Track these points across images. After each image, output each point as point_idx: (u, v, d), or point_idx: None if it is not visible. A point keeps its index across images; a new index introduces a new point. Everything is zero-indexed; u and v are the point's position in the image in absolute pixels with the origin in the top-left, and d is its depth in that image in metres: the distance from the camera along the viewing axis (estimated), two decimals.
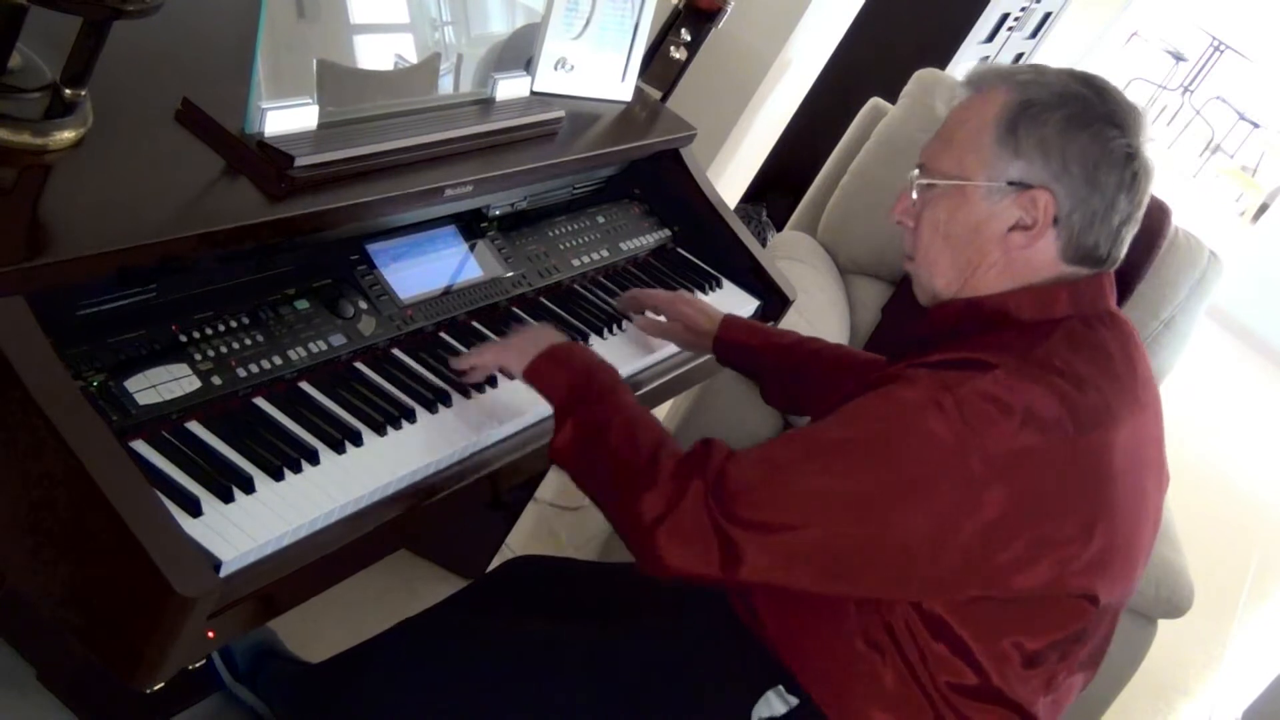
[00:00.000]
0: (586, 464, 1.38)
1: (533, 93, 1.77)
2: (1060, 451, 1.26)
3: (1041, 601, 1.31)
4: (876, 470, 1.25)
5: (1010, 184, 1.33)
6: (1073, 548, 1.28)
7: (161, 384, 1.22)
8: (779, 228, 3.58)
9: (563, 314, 1.74)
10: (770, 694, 1.39)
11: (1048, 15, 4.62)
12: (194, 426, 1.24)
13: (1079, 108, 1.32)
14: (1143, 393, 1.36)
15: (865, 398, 1.31)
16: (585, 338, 1.72)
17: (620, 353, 1.74)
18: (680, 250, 2.04)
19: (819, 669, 1.37)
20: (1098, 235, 1.34)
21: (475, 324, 1.63)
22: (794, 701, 1.38)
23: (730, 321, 1.77)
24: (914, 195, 1.41)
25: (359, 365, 1.44)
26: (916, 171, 1.41)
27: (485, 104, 1.66)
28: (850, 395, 1.34)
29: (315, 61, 1.40)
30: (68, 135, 1.21)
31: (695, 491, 1.26)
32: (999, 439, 1.23)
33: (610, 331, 1.77)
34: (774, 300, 2.04)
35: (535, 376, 1.45)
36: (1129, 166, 1.32)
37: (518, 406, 1.51)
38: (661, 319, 1.78)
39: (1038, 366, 1.28)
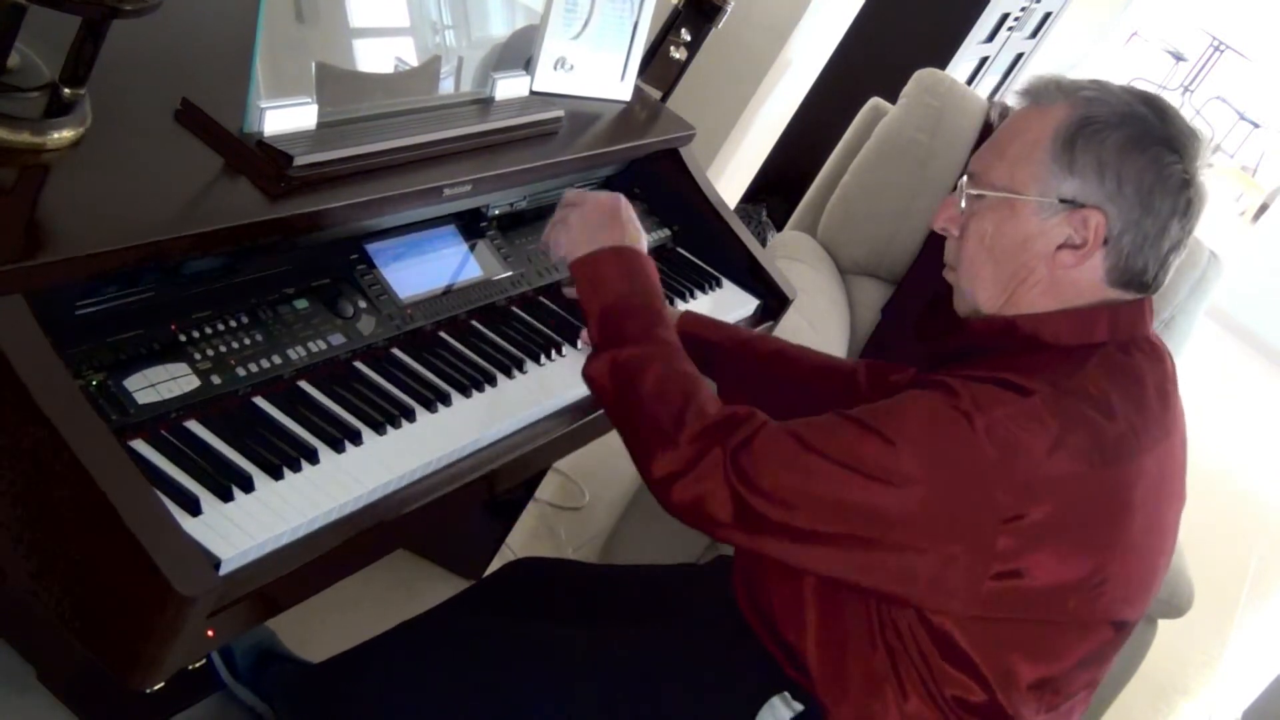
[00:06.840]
0: (615, 399, 1.38)
1: (532, 92, 1.77)
2: (1083, 485, 1.25)
3: (1056, 626, 1.31)
4: (905, 492, 1.23)
5: (1062, 201, 1.31)
6: (1085, 577, 1.28)
7: (161, 383, 1.22)
8: (779, 228, 3.58)
9: (562, 313, 1.74)
10: (775, 700, 1.39)
11: (1048, 15, 4.62)
12: (193, 426, 1.24)
13: (1139, 129, 1.30)
14: (1171, 422, 1.35)
15: (907, 403, 1.28)
16: (573, 342, 1.70)
17: None
18: (680, 250, 2.04)
19: (832, 673, 1.36)
20: (1146, 259, 1.32)
21: (475, 323, 1.63)
22: (799, 708, 1.38)
23: (689, 315, 1.74)
24: (961, 204, 1.38)
25: (358, 365, 1.44)
26: (965, 180, 1.39)
27: (484, 103, 1.66)
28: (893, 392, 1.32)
29: (314, 63, 1.40)
30: (66, 134, 1.20)
31: (714, 458, 1.27)
32: (1025, 468, 1.22)
33: None
34: (773, 300, 2.04)
35: (584, 270, 1.43)
36: (1184, 193, 1.30)
37: (517, 406, 1.51)
38: None
39: (1072, 396, 1.26)
